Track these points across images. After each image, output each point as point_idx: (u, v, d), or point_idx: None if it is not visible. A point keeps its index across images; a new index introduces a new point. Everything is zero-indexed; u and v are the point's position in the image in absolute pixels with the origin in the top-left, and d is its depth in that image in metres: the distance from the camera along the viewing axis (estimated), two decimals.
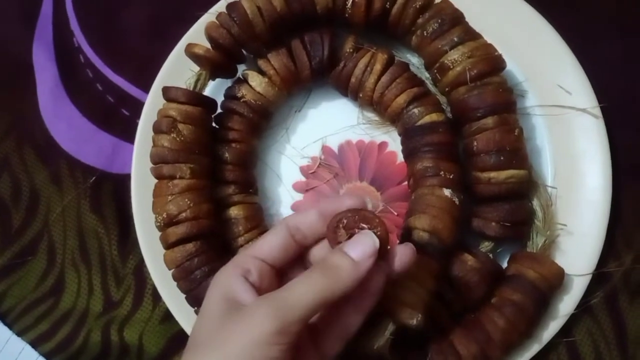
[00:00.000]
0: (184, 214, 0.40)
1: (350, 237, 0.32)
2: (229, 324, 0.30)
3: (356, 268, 0.31)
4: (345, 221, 0.33)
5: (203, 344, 0.31)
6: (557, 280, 0.40)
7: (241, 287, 0.32)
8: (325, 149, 0.47)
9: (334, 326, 0.33)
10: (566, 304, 0.42)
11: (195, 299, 0.40)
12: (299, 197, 0.47)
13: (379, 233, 0.32)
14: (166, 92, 0.42)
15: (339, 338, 0.33)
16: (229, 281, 0.33)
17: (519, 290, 0.39)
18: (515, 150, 0.40)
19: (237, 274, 0.33)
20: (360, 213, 0.33)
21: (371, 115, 0.47)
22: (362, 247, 0.31)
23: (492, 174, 0.40)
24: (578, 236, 0.42)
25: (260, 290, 0.32)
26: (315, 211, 0.34)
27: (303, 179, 0.47)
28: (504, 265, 0.42)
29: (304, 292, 0.30)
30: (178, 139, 0.40)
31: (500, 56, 0.42)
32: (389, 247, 0.33)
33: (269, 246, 0.34)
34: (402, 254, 0.33)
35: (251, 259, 0.33)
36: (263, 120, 0.45)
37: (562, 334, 0.42)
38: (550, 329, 0.41)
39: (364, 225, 0.32)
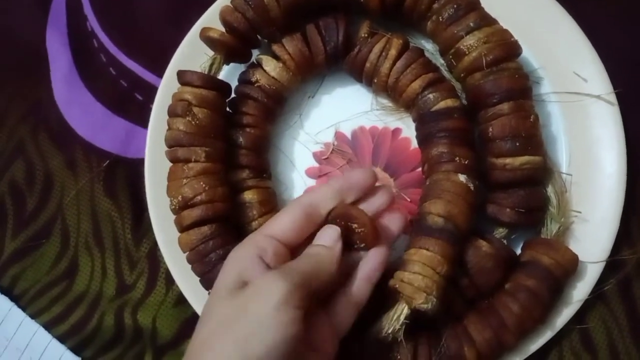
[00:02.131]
0: (199, 197, 0.40)
1: (345, 235, 0.36)
2: (243, 298, 0.31)
3: (331, 251, 0.35)
4: (335, 220, 0.36)
5: (219, 321, 0.31)
6: (571, 267, 0.39)
7: (257, 267, 0.32)
8: (338, 135, 0.47)
9: (343, 294, 0.36)
10: (579, 291, 0.41)
11: (209, 282, 0.40)
12: (312, 182, 0.47)
13: (365, 231, 0.36)
14: (181, 75, 0.42)
15: (350, 305, 0.36)
16: (246, 261, 0.33)
17: (533, 276, 0.39)
18: (531, 137, 0.40)
19: (254, 255, 0.33)
20: (348, 211, 0.36)
21: (385, 102, 0.47)
22: (330, 235, 0.36)
23: (508, 160, 0.40)
24: (592, 223, 0.42)
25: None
26: (328, 188, 0.37)
27: (316, 164, 0.47)
28: (518, 251, 0.42)
29: (304, 263, 0.34)
30: (193, 122, 0.40)
31: (516, 42, 0.41)
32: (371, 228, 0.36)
33: (284, 226, 0.35)
34: (394, 227, 0.38)
35: (268, 238, 0.34)
36: (277, 106, 0.45)
37: (575, 321, 0.42)
38: (564, 316, 0.41)
39: (351, 224, 0.36)
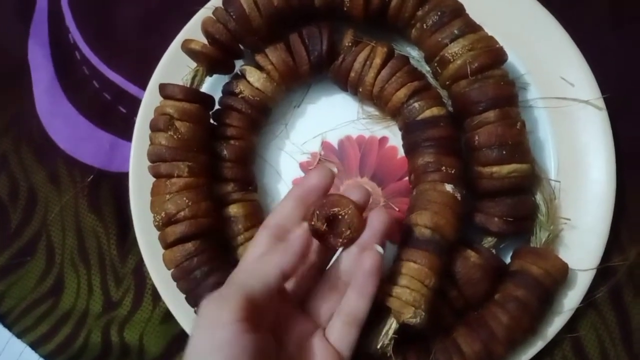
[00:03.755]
0: (182, 213, 0.39)
1: (328, 224, 0.35)
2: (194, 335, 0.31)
3: (289, 246, 0.34)
4: (317, 212, 0.35)
5: None
6: (561, 276, 0.39)
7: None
8: (325, 145, 0.46)
9: (341, 312, 0.35)
10: (570, 299, 0.41)
11: (195, 299, 0.40)
12: None
13: (349, 212, 0.35)
14: (163, 89, 0.41)
15: (349, 324, 0.34)
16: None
17: (522, 286, 0.38)
18: (518, 144, 0.40)
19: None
20: (328, 199, 0.35)
21: (371, 110, 0.46)
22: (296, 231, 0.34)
23: (495, 169, 0.40)
24: (582, 230, 0.42)
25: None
26: (288, 199, 0.37)
27: (303, 175, 0.46)
28: (508, 260, 0.42)
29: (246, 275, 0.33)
30: (175, 136, 0.40)
31: (501, 48, 0.41)
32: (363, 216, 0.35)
33: (256, 257, 0.35)
34: (376, 221, 0.35)
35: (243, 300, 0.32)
36: (262, 116, 0.44)
37: (566, 330, 0.42)
38: (555, 325, 0.41)
39: (334, 210, 0.35)
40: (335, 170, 0.37)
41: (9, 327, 0.47)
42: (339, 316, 0.35)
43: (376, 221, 0.36)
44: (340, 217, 0.35)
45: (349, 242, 0.36)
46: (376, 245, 0.35)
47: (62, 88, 0.51)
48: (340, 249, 0.37)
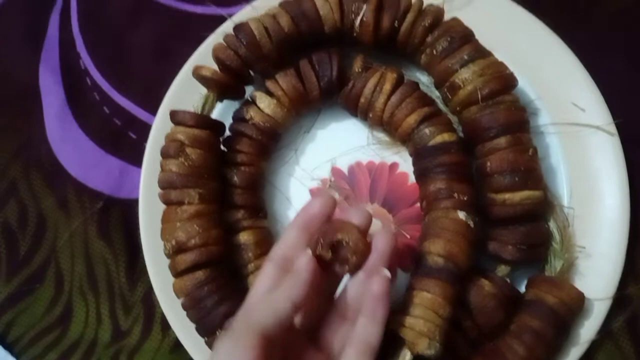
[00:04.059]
0: (193, 241, 0.39)
1: (332, 250, 0.34)
2: None
3: (296, 276, 0.33)
4: (321, 240, 0.34)
5: None
6: (577, 305, 0.38)
7: None
8: (335, 171, 0.46)
9: (354, 342, 0.34)
10: (587, 330, 0.40)
11: (205, 328, 0.39)
12: None
13: (353, 237, 0.34)
14: (174, 115, 0.41)
15: (363, 353, 0.33)
16: None
17: (538, 316, 0.38)
18: (530, 171, 0.40)
19: None
20: (331, 226, 0.35)
21: (381, 136, 0.46)
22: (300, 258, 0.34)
23: (507, 195, 0.39)
24: (597, 258, 0.41)
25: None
26: (291, 230, 0.36)
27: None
28: (522, 289, 0.41)
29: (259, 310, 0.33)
30: (186, 163, 0.40)
31: (511, 74, 0.41)
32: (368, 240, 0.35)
33: (263, 290, 0.35)
34: (381, 244, 0.35)
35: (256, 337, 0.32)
36: (272, 142, 0.44)
37: None
38: (572, 356, 0.40)
39: (338, 236, 0.34)
40: (337, 196, 0.37)
41: (17, 356, 0.47)
42: (352, 346, 0.34)
43: (381, 244, 0.35)
44: (344, 243, 0.35)
45: (355, 268, 0.35)
46: (383, 268, 0.34)
47: (73, 114, 0.51)
48: (347, 276, 0.36)
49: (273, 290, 0.34)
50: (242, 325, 0.32)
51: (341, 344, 0.35)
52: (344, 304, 0.36)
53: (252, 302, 0.35)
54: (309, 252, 0.34)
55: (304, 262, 0.34)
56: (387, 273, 0.34)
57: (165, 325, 0.45)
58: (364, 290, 0.34)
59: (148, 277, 0.44)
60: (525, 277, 0.41)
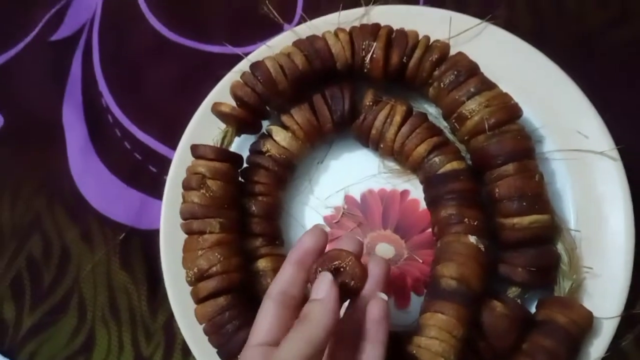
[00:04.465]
0: (214, 268, 0.40)
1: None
2: None
3: (324, 304, 0.33)
4: (320, 269, 0.36)
5: None
6: (587, 324, 0.40)
7: None
8: (348, 199, 0.48)
9: None
10: (596, 348, 0.41)
11: (226, 354, 0.40)
12: None
13: (350, 263, 0.35)
14: (195, 149, 0.43)
15: None
16: None
17: (550, 336, 0.39)
18: (537, 196, 0.41)
19: None
20: (327, 255, 0.36)
21: (392, 165, 0.48)
22: (321, 285, 0.34)
23: (516, 220, 0.41)
24: (604, 278, 0.42)
25: None
26: (288, 265, 0.37)
27: (327, 229, 0.47)
28: (533, 310, 0.42)
29: (292, 347, 0.31)
30: (207, 194, 0.42)
31: (516, 104, 0.43)
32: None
33: (266, 328, 0.34)
34: (375, 269, 0.36)
35: (257, 348, 0.33)
36: (287, 173, 0.46)
37: None
38: None
39: (335, 263, 0.35)
40: (327, 229, 0.38)
41: None
42: None
43: (376, 269, 0.36)
44: (342, 269, 0.36)
45: (355, 293, 0.36)
46: (380, 293, 0.36)
47: (95, 149, 0.53)
48: (345, 304, 0.37)
49: (291, 341, 0.32)
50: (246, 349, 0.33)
51: None
52: (345, 333, 0.36)
53: (254, 342, 0.34)
54: (329, 276, 0.34)
55: (327, 287, 0.34)
56: (384, 297, 0.35)
57: (186, 352, 0.47)
58: (362, 316, 0.35)
59: (168, 305, 0.45)
60: (535, 298, 0.43)
